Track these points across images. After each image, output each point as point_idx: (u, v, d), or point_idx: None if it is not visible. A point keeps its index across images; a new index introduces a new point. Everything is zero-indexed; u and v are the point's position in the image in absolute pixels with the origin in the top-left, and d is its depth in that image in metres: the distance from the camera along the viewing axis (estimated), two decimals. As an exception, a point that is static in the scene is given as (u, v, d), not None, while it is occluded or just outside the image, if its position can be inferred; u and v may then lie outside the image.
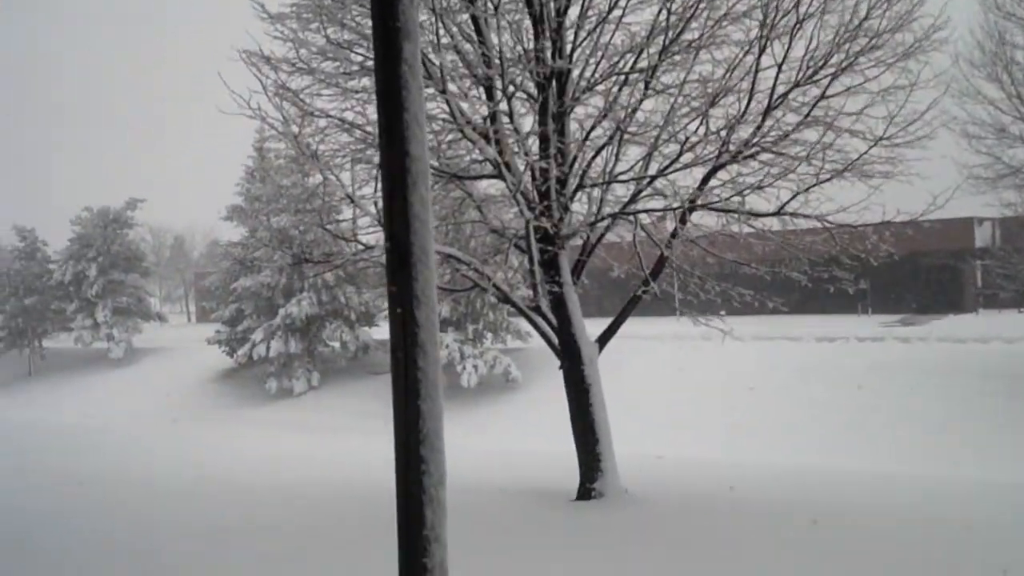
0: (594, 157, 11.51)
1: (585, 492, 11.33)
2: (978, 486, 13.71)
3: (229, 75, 10.44)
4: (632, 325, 14.06)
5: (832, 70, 10.77)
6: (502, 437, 22.76)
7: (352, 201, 11.41)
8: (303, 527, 9.94)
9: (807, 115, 10.91)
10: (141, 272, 45.15)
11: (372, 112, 11.48)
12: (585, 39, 11.25)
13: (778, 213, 11.33)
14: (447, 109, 10.85)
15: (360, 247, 11.97)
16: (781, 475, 14.25)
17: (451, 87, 10.70)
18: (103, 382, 40.17)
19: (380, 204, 10.99)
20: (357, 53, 10.95)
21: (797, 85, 10.87)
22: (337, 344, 34.83)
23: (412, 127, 3.10)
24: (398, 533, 2.81)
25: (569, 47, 11.22)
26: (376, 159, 11.61)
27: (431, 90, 10.60)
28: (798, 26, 10.67)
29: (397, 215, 3.07)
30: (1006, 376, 21.84)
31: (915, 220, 11.10)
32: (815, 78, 10.83)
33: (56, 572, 8.26)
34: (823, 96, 10.88)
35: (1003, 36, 21.88)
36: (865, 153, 10.99)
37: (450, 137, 11.81)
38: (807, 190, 11.12)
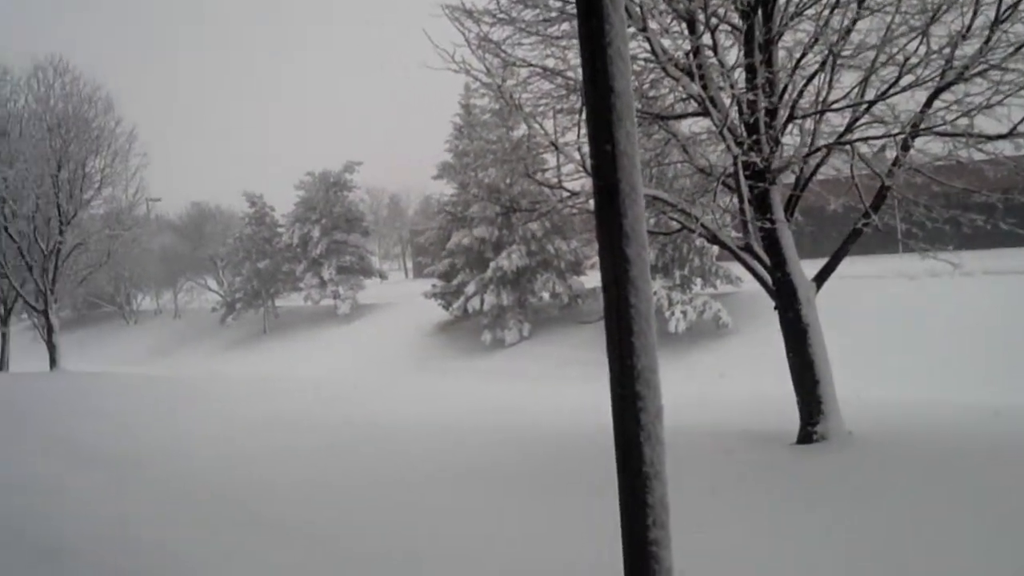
0: (805, 86, 10.98)
1: (806, 435, 10.97)
2: None
3: (433, 30, 10.71)
4: (851, 264, 13.43)
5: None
6: (713, 382, 22.45)
7: (556, 148, 11.43)
8: (527, 468, 10.19)
9: (1044, 24, 9.94)
10: (361, 232, 47.41)
11: (573, 58, 11.47)
12: (793, -39, 10.70)
13: (1010, 135, 10.42)
14: (648, 48, 10.64)
15: (565, 193, 12.01)
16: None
17: (651, 24, 10.47)
18: (332, 337, 42.61)
19: (584, 150, 11.05)
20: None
21: (1032, -9, 9.91)
22: (547, 295, 35.36)
23: (616, 62, 3.03)
24: (617, 470, 2.80)
25: (776, -29, 10.71)
26: (578, 105, 11.59)
27: (631, 29, 10.42)
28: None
29: (603, 152, 3.02)
30: None
31: None
32: (1053, -18, 9.83)
33: (341, 500, 8.82)
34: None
35: None
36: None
37: (651, 77, 11.60)
38: (1045, 106, 10.17)
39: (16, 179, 28.86)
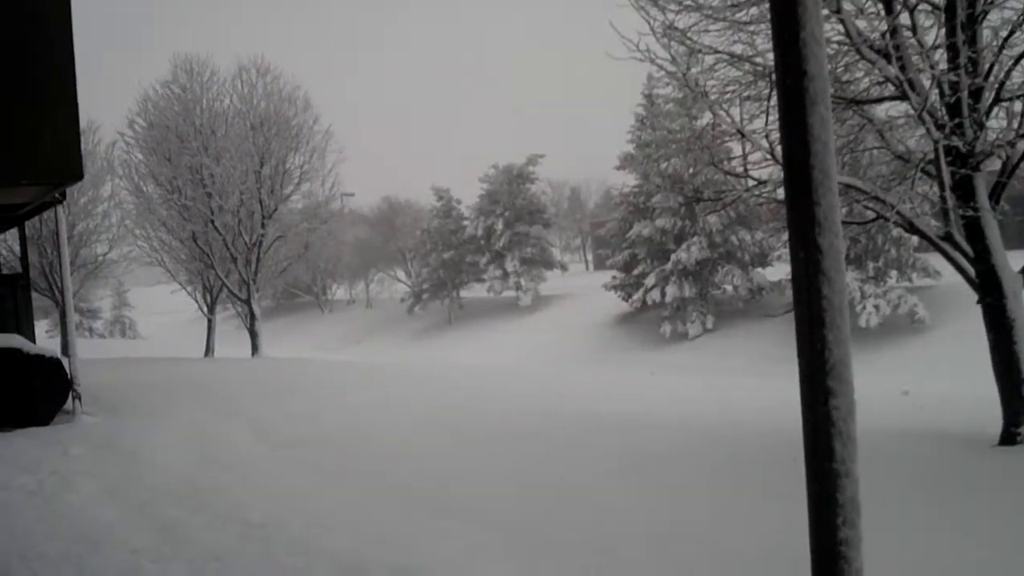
0: (1014, 66, 10.28)
1: (1010, 436, 10.31)
2: None
3: (618, 20, 10.70)
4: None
5: None
6: (908, 379, 21.40)
7: (743, 136, 11.18)
8: (710, 459, 10.05)
9: None
10: (543, 224, 48.01)
11: (761, 43, 11.18)
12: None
13: None
14: (842, 30, 10.26)
15: (752, 182, 11.72)
16: None
17: (846, 5, 10.07)
18: (514, 327, 43.31)
19: (772, 137, 10.75)
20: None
21: None
22: (730, 287, 34.69)
23: (810, 44, 2.92)
24: (806, 467, 2.71)
25: (980, -57, 10.07)
26: (767, 91, 11.28)
27: (824, 11, 10.07)
28: None
29: (795, 137, 2.92)
30: None
31: None
32: None
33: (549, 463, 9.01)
34: None
35: None
36: None
37: (845, 60, 11.17)
38: None
39: (222, 175, 30.70)
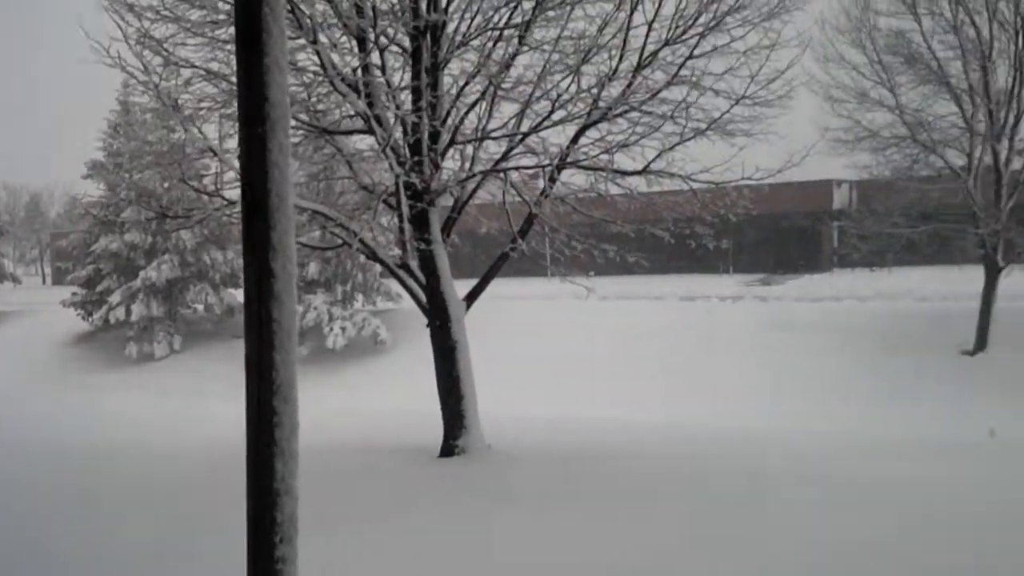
0: (467, 113, 11.40)
1: (449, 449, 11.38)
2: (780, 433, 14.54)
3: (90, 22, 9.98)
4: (506, 285, 14.08)
5: (700, 29, 10.93)
6: (369, 398, 22.64)
7: (215, 154, 11.04)
8: (152, 484, 9.71)
9: (675, 74, 11.04)
10: (-7, 231, 42.90)
11: (238, 63, 11.10)
12: (461, -8, 11.07)
13: (643, 171, 11.50)
14: (317, 60, 10.57)
15: (223, 202, 11.60)
16: (626, 428, 14.71)
17: (322, 38, 10.41)
18: (-51, 345, 38.04)
19: (243, 156, 10.71)
20: (225, 2, 10.53)
21: (667, 44, 10.97)
22: (201, 307, 33.94)
23: (272, 71, 2.95)
24: (247, 485, 2.71)
25: (444, 0, 11.03)
26: (240, 112, 11.22)
27: (301, 40, 10.32)
28: (669, -17, 10.78)
29: (254, 162, 2.94)
30: (858, 331, 22.96)
31: (772, 178, 11.45)
32: (684, 37, 10.96)
33: None
34: (691, 55, 11.04)
35: (867, 2, 22.71)
36: (727, 112, 11.25)
37: (321, 91, 11.52)
38: (671, 148, 11.34)
39: None
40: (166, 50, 10.84)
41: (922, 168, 24.19)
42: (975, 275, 22.94)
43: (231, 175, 11.45)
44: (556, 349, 24.43)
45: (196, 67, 11.15)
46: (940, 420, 16.71)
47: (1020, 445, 12.96)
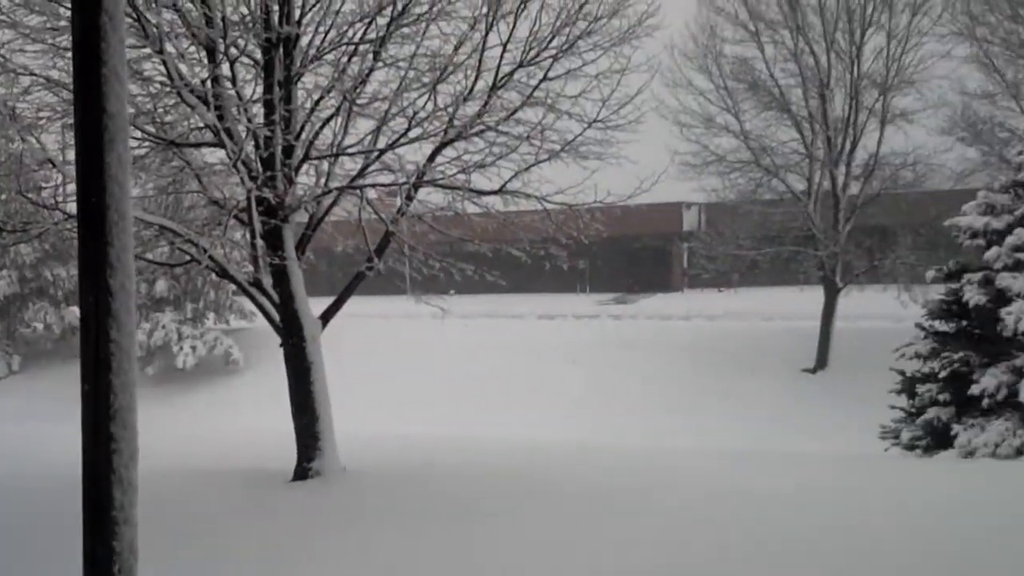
0: (322, 128, 11.26)
1: (302, 472, 11.11)
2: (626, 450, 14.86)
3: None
4: (368, 303, 13.92)
5: (554, 52, 11.16)
6: (220, 420, 22.00)
7: (54, 166, 10.54)
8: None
9: (529, 95, 11.23)
10: None
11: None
12: (315, 5, 10.93)
13: (500, 192, 11.63)
14: (164, 71, 10.23)
15: (63, 216, 11.07)
16: (488, 446, 14.78)
17: (169, 48, 10.07)
18: None
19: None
20: (66, 7, 10.06)
21: (521, 65, 11.15)
22: (41, 325, 32.32)
23: (111, 82, 2.84)
24: (83, 515, 2.59)
25: (298, 12, 10.86)
26: (82, 122, 10.76)
27: (147, 50, 9.97)
28: (523, 6, 10.95)
29: (92, 176, 2.82)
30: (705, 349, 23.78)
31: (624, 202, 11.78)
32: (538, 59, 11.17)
33: None
34: (545, 77, 11.25)
35: (714, 30, 23.69)
36: (580, 135, 11.51)
37: (168, 102, 11.15)
38: (527, 169, 11.52)
39: None
40: (3, 56, 10.32)
41: (765, 192, 25.40)
42: (816, 296, 24.16)
43: (73, 187, 10.94)
44: (413, 367, 24.37)
45: (35, 75, 10.62)
46: (780, 434, 17.45)
47: (858, 457, 13.59)
